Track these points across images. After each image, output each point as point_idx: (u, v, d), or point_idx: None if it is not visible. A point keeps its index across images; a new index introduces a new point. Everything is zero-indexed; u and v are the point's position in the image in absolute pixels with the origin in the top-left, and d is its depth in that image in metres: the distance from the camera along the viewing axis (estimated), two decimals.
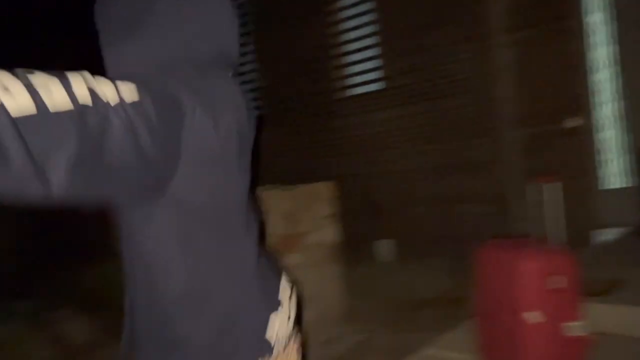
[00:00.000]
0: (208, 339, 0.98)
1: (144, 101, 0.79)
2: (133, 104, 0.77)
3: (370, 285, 4.26)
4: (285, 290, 1.12)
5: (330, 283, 3.46)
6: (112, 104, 0.75)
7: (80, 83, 0.74)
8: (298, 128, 6.02)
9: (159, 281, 0.98)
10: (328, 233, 3.47)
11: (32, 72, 0.71)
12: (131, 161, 0.78)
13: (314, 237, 3.34)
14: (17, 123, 0.66)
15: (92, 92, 0.74)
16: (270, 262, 1.12)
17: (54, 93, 0.70)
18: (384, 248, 5.25)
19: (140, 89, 0.80)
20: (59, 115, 0.70)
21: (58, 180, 0.71)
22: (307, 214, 3.35)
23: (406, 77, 5.12)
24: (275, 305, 1.06)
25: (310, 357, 3.11)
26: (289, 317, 1.09)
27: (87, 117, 0.72)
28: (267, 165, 6.10)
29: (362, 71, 5.57)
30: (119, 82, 0.78)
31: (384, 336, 3.32)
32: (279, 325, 1.04)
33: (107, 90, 0.76)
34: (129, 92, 0.78)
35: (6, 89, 0.67)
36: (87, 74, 0.76)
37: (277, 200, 3.27)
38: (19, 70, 0.70)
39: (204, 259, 0.97)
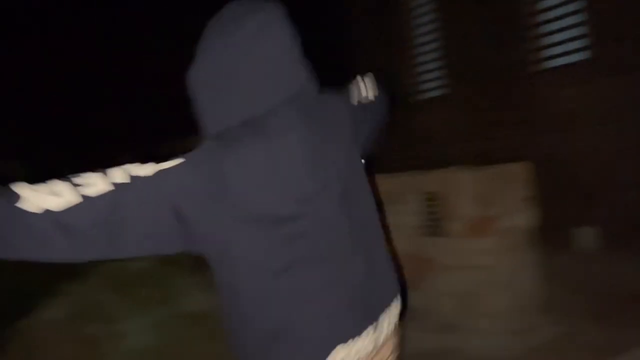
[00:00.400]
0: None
1: (185, 176, 1.03)
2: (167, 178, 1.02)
3: (570, 274, 3.92)
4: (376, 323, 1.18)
5: (525, 270, 3.26)
6: (145, 175, 1.01)
7: (119, 171, 1.01)
8: (488, 106, 5.74)
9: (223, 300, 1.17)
10: (523, 217, 3.26)
11: (78, 175, 1.00)
12: (170, 221, 1.02)
13: (508, 221, 3.17)
14: (63, 214, 0.95)
15: (130, 176, 1.00)
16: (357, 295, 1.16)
17: (96, 184, 0.98)
18: (586, 235, 4.78)
19: (187, 165, 1.05)
20: (100, 197, 0.97)
21: (99, 250, 0.99)
22: (501, 197, 3.19)
23: (618, 44, 4.54)
24: (350, 333, 1.12)
25: (504, 345, 2.98)
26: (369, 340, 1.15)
27: (123, 194, 0.98)
28: (457, 145, 5.97)
29: (562, 41, 5.08)
30: (161, 164, 1.04)
31: (588, 330, 3.04)
32: (349, 352, 1.12)
33: (143, 171, 1.02)
34: (168, 166, 1.04)
35: (56, 194, 0.96)
36: (129, 165, 1.03)
37: (467, 182, 3.18)
38: (69, 176, 0.99)
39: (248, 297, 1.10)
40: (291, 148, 1.11)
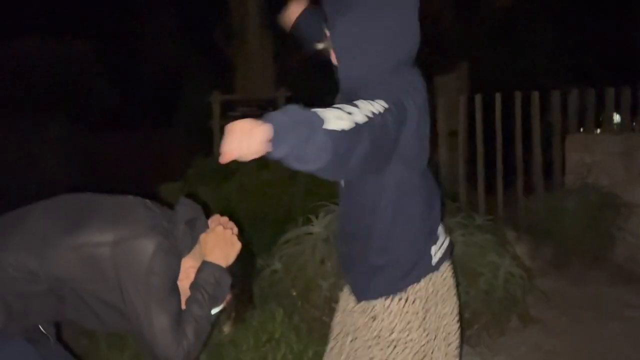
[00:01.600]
0: (396, 264, 1.61)
1: (391, 108, 1.42)
2: (388, 109, 1.41)
3: None
4: (441, 228, 1.76)
5: None
6: (382, 111, 1.39)
7: (368, 105, 1.36)
8: None
9: (369, 220, 1.61)
10: None
11: (355, 105, 1.34)
12: (387, 144, 1.42)
13: None
14: (340, 135, 1.22)
15: (372, 110, 1.35)
16: (434, 212, 1.72)
17: (358, 115, 1.30)
18: None
19: (388, 102, 1.43)
20: (361, 126, 1.29)
21: (352, 170, 1.33)
22: None
23: None
24: (435, 239, 1.70)
25: None
26: (441, 247, 1.71)
27: (373, 123, 1.33)
28: None
29: None
30: (379, 100, 1.42)
31: None
32: (436, 252, 1.67)
33: (377, 106, 1.39)
34: (384, 104, 1.41)
35: (340, 118, 1.25)
36: (366, 103, 1.38)
37: None
38: (344, 105, 1.33)
39: (400, 208, 1.60)
40: (424, 100, 1.60)
